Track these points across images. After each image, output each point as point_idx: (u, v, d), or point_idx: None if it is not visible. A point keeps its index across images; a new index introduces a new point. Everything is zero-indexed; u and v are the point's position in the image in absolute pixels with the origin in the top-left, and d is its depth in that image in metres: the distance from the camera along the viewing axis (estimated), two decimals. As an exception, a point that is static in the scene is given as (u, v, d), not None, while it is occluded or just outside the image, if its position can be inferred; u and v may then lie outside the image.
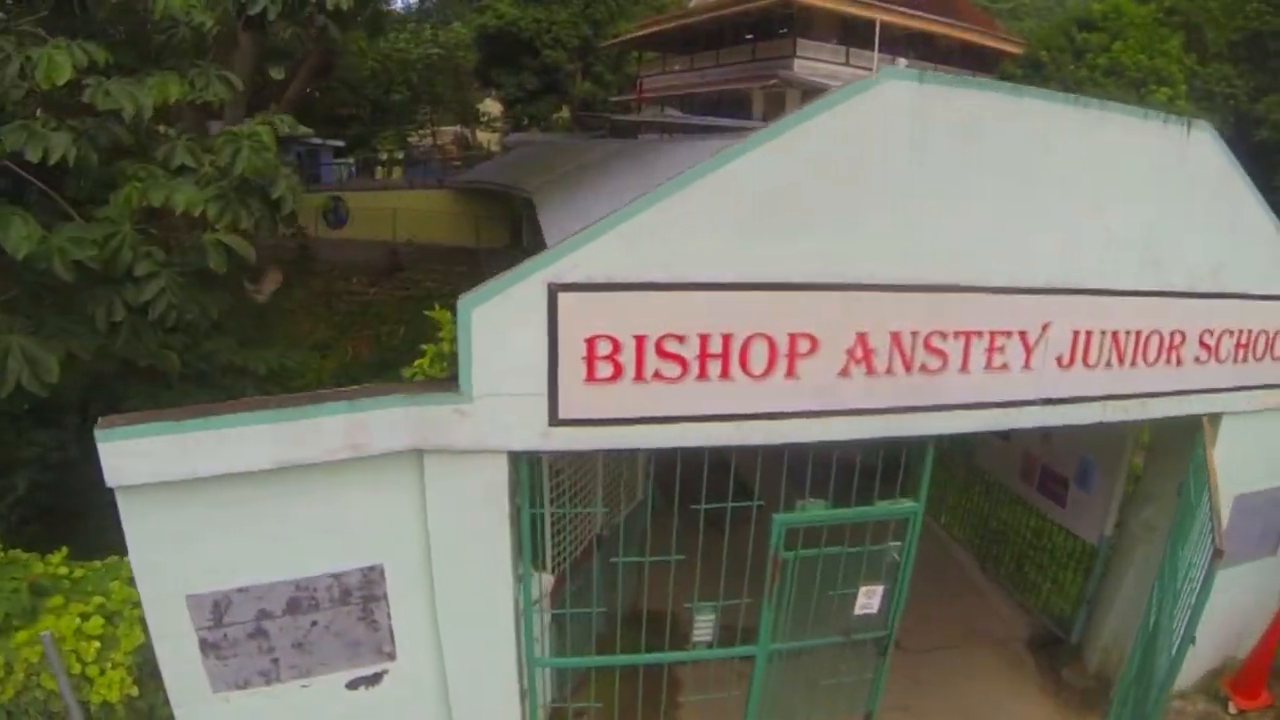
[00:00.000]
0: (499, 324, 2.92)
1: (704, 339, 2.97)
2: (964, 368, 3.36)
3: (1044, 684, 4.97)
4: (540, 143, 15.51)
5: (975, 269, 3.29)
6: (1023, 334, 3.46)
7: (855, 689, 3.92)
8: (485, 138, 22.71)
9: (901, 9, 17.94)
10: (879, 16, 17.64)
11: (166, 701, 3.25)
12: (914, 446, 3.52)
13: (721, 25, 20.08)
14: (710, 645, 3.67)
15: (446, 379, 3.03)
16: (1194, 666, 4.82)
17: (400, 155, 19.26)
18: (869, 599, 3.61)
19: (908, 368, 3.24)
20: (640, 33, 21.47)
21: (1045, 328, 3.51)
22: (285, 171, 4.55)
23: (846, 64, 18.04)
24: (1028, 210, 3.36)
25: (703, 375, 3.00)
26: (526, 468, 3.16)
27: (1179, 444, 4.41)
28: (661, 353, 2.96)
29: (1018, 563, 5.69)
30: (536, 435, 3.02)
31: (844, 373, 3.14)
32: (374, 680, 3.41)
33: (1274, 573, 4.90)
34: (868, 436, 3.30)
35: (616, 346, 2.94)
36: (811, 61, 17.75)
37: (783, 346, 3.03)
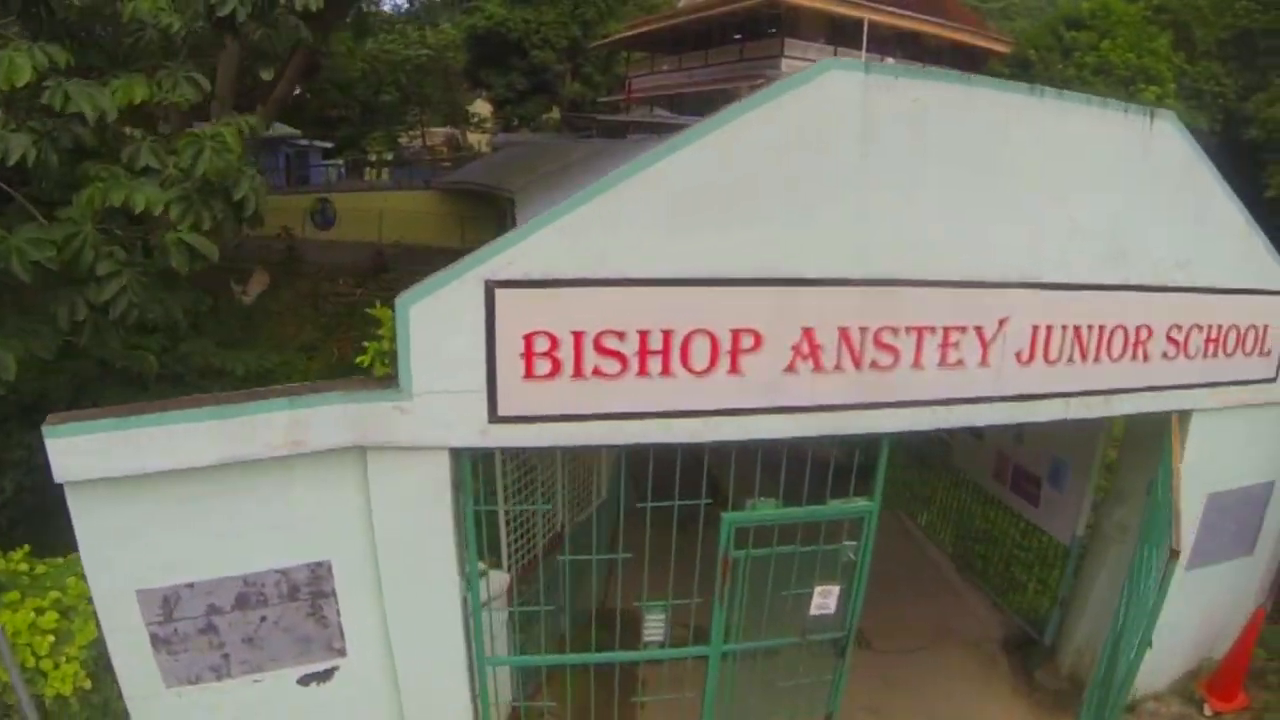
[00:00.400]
0: (437, 321, 2.91)
1: (643, 335, 2.94)
2: (917, 364, 3.31)
3: (1017, 685, 4.89)
4: (527, 143, 15.56)
5: (928, 263, 3.24)
6: (979, 329, 3.41)
7: (816, 690, 3.88)
8: (476, 139, 22.79)
9: (889, 8, 17.86)
10: (866, 16, 17.55)
11: (121, 695, 3.29)
12: (869, 444, 3.48)
13: (709, 25, 20.07)
14: (663, 644, 3.65)
15: (387, 376, 3.03)
16: (1170, 668, 4.74)
17: (389, 156, 19.38)
18: (825, 599, 3.57)
19: (857, 364, 3.19)
20: (629, 33, 21.46)
21: (1003, 323, 3.45)
22: (250, 173, 4.58)
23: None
24: (983, 202, 3.30)
25: (643, 372, 2.98)
26: (469, 464, 3.16)
27: (1150, 442, 4.33)
28: (600, 349, 2.94)
29: (992, 563, 5.63)
30: (476, 432, 3.01)
31: (790, 369, 3.10)
32: (325, 676, 3.42)
33: (1251, 572, 4.80)
34: (817, 434, 3.26)
35: (554, 343, 2.92)
36: (799, 61, 17.68)
37: (725, 342, 3.00)
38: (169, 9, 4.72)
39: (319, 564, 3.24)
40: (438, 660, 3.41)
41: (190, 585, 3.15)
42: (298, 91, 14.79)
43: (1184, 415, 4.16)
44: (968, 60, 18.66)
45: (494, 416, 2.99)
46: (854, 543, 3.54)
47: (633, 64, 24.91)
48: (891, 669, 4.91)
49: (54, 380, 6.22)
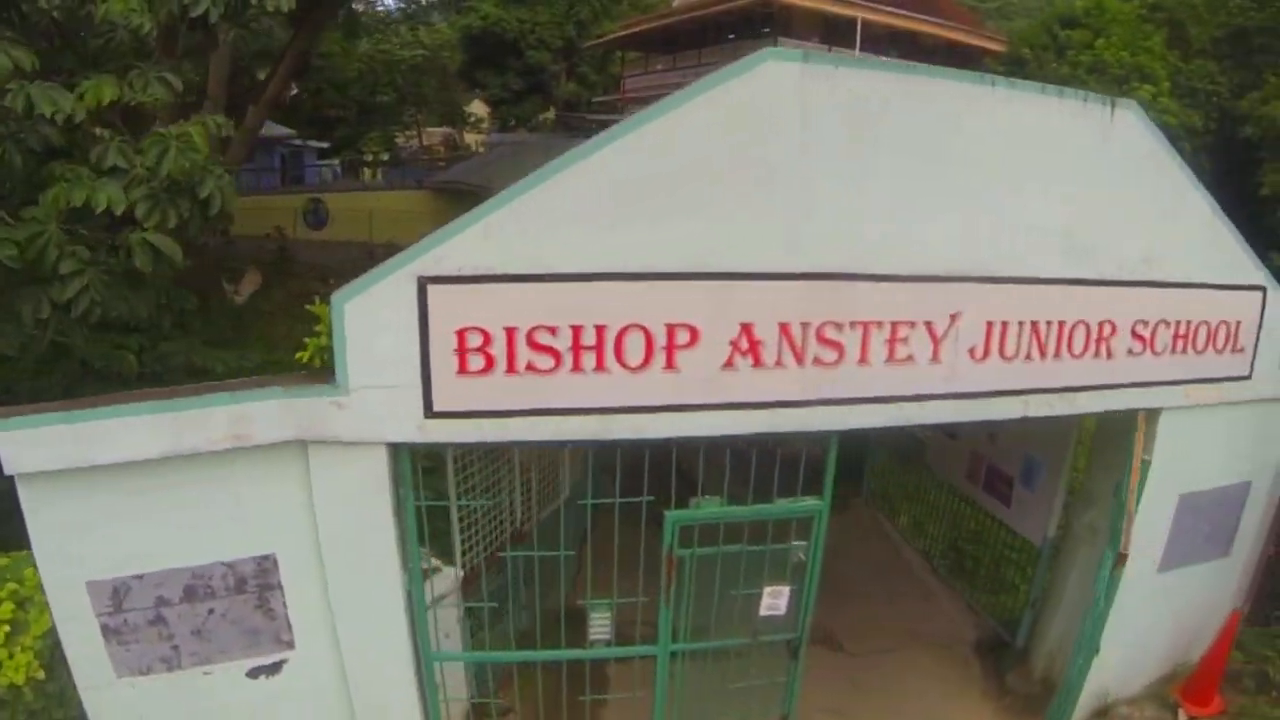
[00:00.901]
0: (371, 317, 2.92)
1: (576, 330, 2.93)
2: (864, 360, 3.26)
3: (987, 689, 4.82)
4: (520, 143, 15.59)
5: (874, 256, 3.18)
6: (929, 324, 3.35)
7: (772, 691, 3.85)
8: (473, 139, 22.90)
9: (883, 7, 17.72)
10: (860, 15, 17.43)
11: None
12: (817, 441, 3.44)
13: (704, 25, 20.03)
14: (609, 643, 3.64)
15: (325, 372, 3.05)
16: (1144, 672, 4.64)
17: (385, 156, 19.52)
18: (775, 600, 3.54)
19: (800, 360, 3.15)
20: (624, 33, 21.45)
21: (955, 318, 3.39)
22: (217, 171, 4.63)
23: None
24: (931, 194, 3.24)
25: (577, 367, 2.96)
26: (407, 459, 3.17)
27: (1120, 441, 4.23)
28: (533, 345, 2.93)
29: (966, 564, 5.55)
30: (412, 427, 3.02)
31: (729, 365, 3.07)
32: (274, 669, 3.45)
33: (1228, 574, 4.68)
34: (761, 431, 3.23)
35: (487, 339, 2.92)
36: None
37: (660, 338, 2.97)
38: (140, 10, 4.79)
39: (264, 557, 3.28)
40: (383, 655, 3.42)
41: (139, 577, 3.20)
42: (294, 91, 15.01)
43: (1152, 414, 4.06)
44: (962, 59, 18.56)
45: (429, 412, 3.00)
46: (803, 542, 3.50)
47: (628, 64, 24.89)
48: (860, 671, 4.86)
49: (47, 380, 6.38)
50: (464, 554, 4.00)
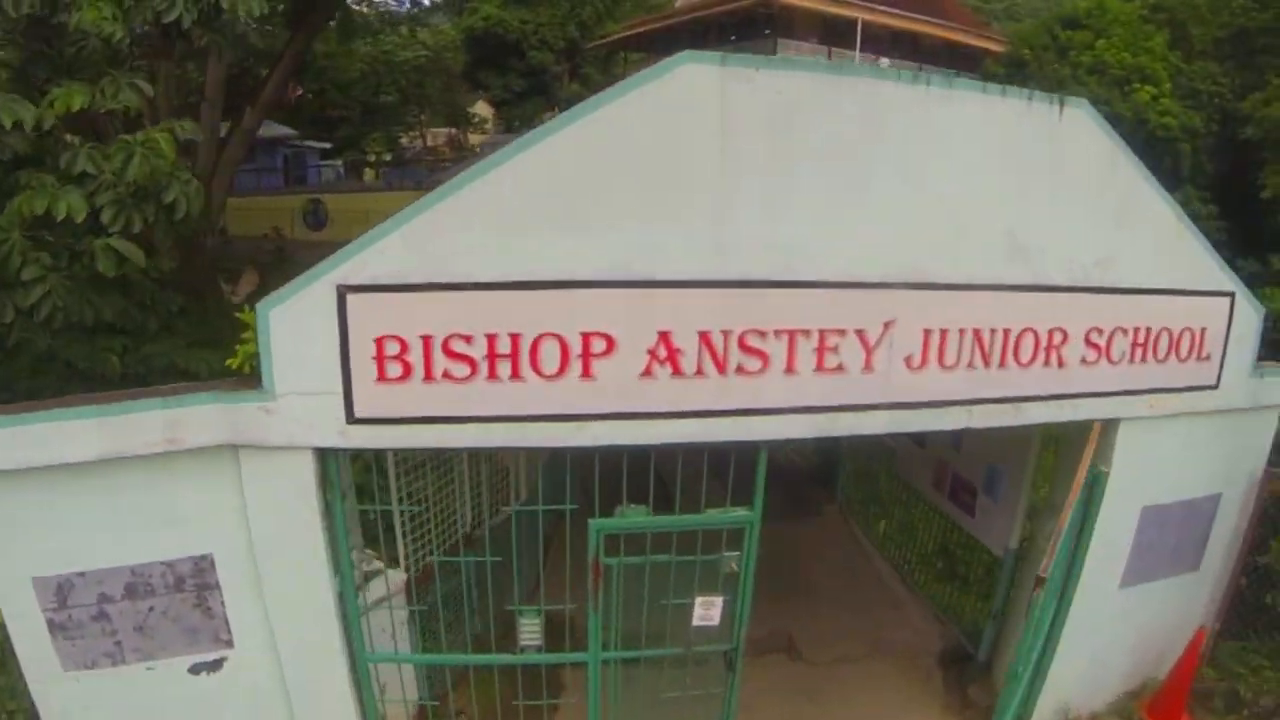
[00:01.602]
0: (294, 325, 3.00)
1: (491, 339, 2.97)
2: (790, 369, 3.25)
3: (949, 701, 4.76)
4: (518, 142, 15.62)
5: (798, 262, 3.16)
6: (860, 332, 3.32)
7: (712, 702, 3.86)
8: (478, 140, 23.05)
9: (883, 8, 17.50)
10: (860, 16, 17.25)
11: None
12: (747, 451, 3.43)
13: (706, 26, 19.99)
14: (540, 649, 3.69)
15: (255, 378, 3.14)
16: (1107, 687, 4.54)
17: (388, 157, 19.77)
18: (708, 610, 3.54)
19: (721, 369, 3.15)
20: (627, 34, 21.45)
21: (888, 325, 3.35)
22: (184, 177, 4.77)
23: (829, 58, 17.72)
24: (860, 198, 3.20)
25: (493, 375, 3.00)
26: (334, 464, 3.25)
27: (1082, 452, 4.15)
28: (449, 353, 2.98)
29: (933, 574, 5.49)
30: (335, 433, 3.09)
31: (647, 374, 3.08)
32: (215, 666, 3.57)
33: (1198, 589, 4.55)
34: (685, 441, 3.23)
35: (404, 347, 2.97)
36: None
37: (575, 346, 3.00)
38: (112, 19, 4.94)
39: (202, 557, 3.39)
40: (317, 655, 3.51)
41: (82, 574, 3.33)
42: (299, 92, 15.33)
43: (1110, 424, 3.97)
44: (964, 60, 18.31)
45: (351, 418, 3.07)
46: (735, 553, 3.50)
47: (631, 65, 24.85)
48: (818, 681, 4.84)
49: (43, 380, 6.66)
50: (409, 557, 4.08)
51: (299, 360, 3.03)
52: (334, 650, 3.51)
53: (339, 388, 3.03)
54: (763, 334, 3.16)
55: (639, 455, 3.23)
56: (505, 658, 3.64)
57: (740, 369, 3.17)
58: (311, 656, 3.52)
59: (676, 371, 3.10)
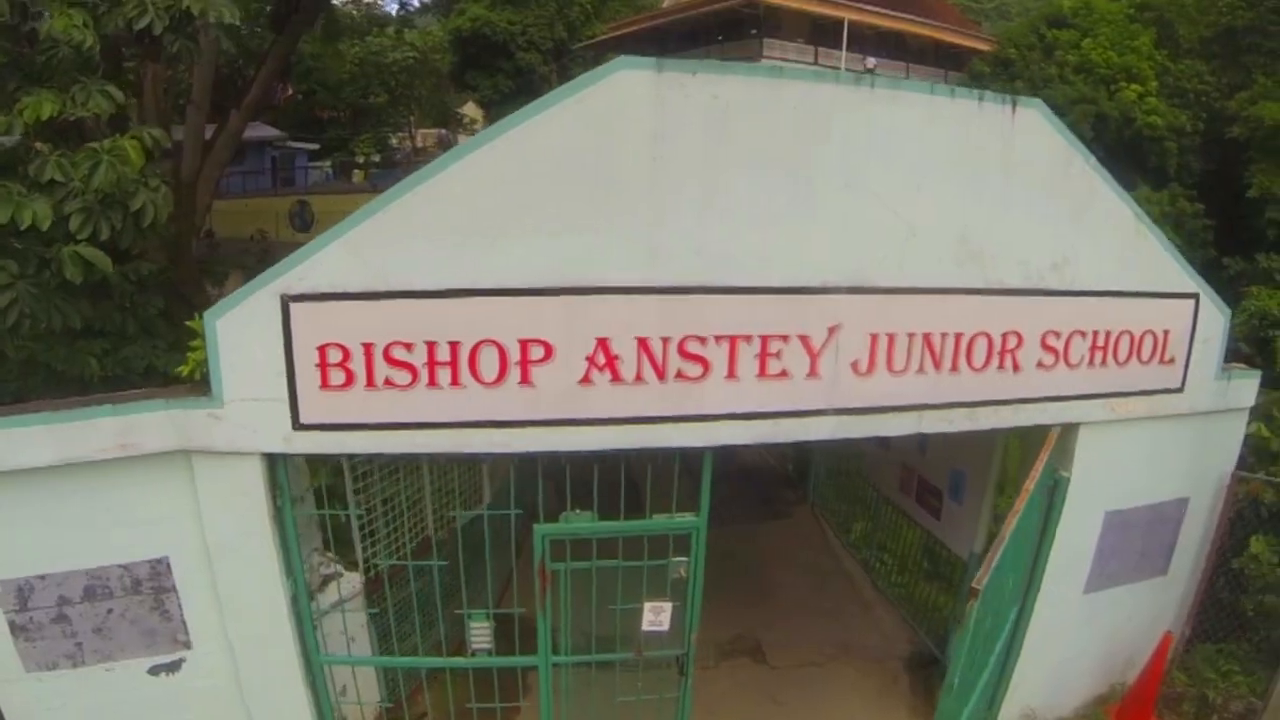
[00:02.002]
0: (240, 333, 3.12)
1: (431, 346, 3.07)
2: (732, 375, 3.32)
3: (915, 705, 4.82)
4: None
5: (738, 268, 3.23)
6: (804, 338, 3.39)
7: (666, 706, 3.95)
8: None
9: (870, 8, 17.49)
10: (846, 15, 17.25)
11: (-7, 679, 3.67)
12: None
13: (692, 25, 20.04)
14: (490, 653, 3.79)
15: (203, 384, 3.27)
16: (1074, 692, 4.58)
17: (376, 158, 19.90)
18: (657, 616, 3.63)
19: (661, 375, 3.23)
20: (614, 34, 21.52)
21: (833, 331, 3.42)
22: (153, 184, 4.91)
23: (815, 63, 17.78)
24: (803, 202, 3.26)
25: (433, 383, 3.11)
26: (283, 469, 3.37)
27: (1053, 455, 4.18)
28: (390, 360, 3.08)
29: (900, 577, 5.54)
30: (281, 439, 3.21)
31: (586, 380, 3.17)
32: (174, 668, 3.71)
33: (1167, 594, 4.58)
34: (627, 447, 3.32)
35: (347, 354, 3.08)
36: (778, 61, 17.57)
37: (514, 353, 3.10)
38: (83, 26, 5.09)
39: (158, 560, 3.53)
40: (272, 657, 3.64)
41: (41, 577, 3.48)
42: (289, 93, 15.55)
43: (1070, 428, 4.01)
44: (953, 60, 18.29)
45: (297, 424, 3.18)
46: (683, 559, 3.58)
47: (618, 66, 24.72)
48: (783, 686, 4.91)
49: (31, 381, 6.88)
50: (368, 560, 4.20)
51: (246, 368, 3.15)
52: (288, 652, 3.64)
53: (284, 395, 3.15)
54: (703, 340, 3.24)
55: (611, 459, 3.32)
56: (456, 661, 3.75)
57: (681, 375, 3.25)
58: (266, 658, 3.65)
59: (616, 378, 3.19)
